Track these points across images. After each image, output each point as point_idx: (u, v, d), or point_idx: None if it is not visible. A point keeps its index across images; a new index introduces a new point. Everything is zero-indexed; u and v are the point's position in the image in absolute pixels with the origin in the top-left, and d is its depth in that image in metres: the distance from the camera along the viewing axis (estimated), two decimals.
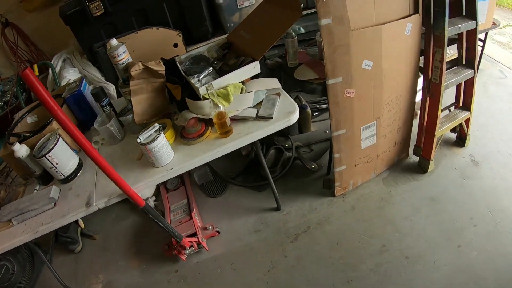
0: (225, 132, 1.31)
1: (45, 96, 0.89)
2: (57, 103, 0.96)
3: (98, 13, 1.82)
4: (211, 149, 1.28)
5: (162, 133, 1.24)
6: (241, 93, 1.36)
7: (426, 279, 1.46)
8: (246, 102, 1.37)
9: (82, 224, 1.98)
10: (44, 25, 2.32)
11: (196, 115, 1.34)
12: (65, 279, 1.64)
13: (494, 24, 2.07)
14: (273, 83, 1.47)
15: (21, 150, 1.27)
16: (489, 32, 2.93)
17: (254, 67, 1.37)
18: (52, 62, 2.00)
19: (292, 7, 1.38)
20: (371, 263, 1.56)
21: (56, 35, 2.20)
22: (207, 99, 1.27)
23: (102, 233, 2.06)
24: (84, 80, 1.65)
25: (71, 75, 1.92)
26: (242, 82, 1.40)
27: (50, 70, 1.97)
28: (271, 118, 1.31)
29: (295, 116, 1.31)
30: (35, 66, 2.00)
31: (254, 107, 1.39)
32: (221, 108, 1.23)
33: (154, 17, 1.84)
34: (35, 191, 1.37)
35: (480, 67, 2.47)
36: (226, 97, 1.32)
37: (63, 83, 1.87)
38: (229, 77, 1.33)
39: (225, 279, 1.63)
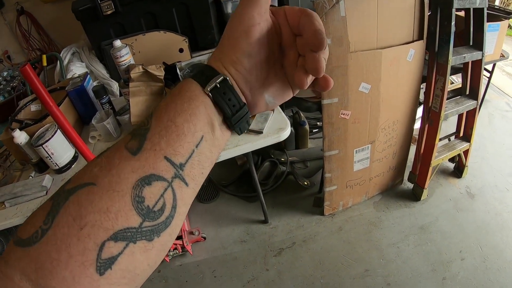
0: None
1: (41, 92, 0.92)
2: (53, 100, 0.99)
3: (109, 12, 1.85)
4: None
5: None
6: None
7: None
8: None
9: None
10: (58, 17, 2.35)
11: None
12: None
13: (502, 56, 2.03)
14: None
15: (20, 137, 1.29)
16: (500, 64, 2.91)
17: None
18: (61, 54, 2.04)
19: None
20: (351, 286, 1.54)
21: (68, 28, 2.24)
22: None
23: None
24: (89, 75, 1.68)
25: (77, 69, 1.95)
26: None
27: (58, 62, 2.01)
28: (262, 132, 1.31)
29: (286, 133, 1.30)
30: (44, 57, 2.04)
31: None
32: None
33: (163, 21, 1.85)
34: (30, 177, 1.39)
35: (486, 97, 2.44)
36: None
37: (69, 76, 1.91)
38: None
39: (205, 285, 1.63)
